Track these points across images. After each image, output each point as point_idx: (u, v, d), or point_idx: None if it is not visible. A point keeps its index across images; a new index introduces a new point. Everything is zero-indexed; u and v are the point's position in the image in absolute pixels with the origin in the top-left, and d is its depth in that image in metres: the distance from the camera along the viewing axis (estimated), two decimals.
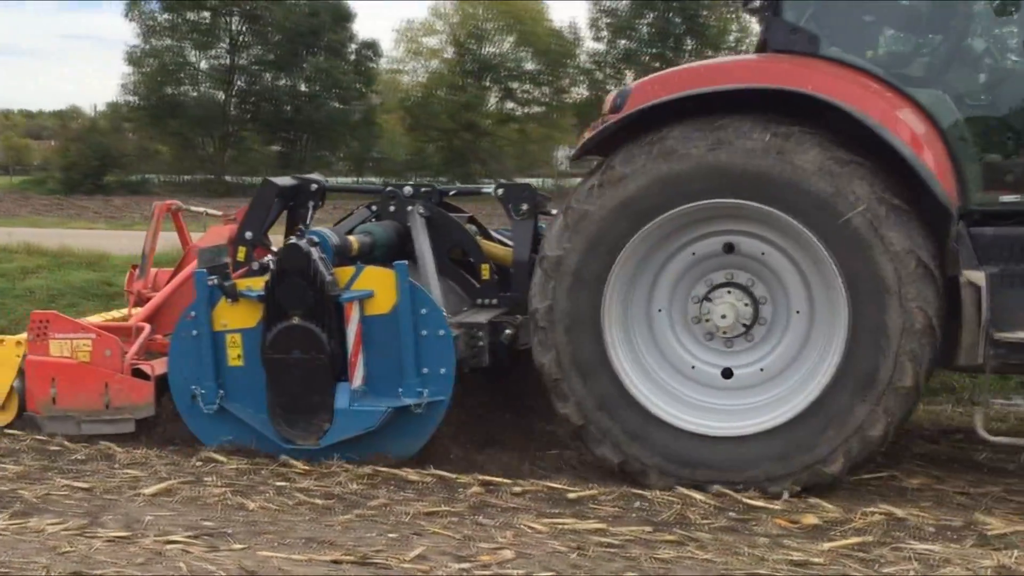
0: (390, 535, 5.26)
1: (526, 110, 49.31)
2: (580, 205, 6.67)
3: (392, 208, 7.98)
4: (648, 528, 5.51)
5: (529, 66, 48.55)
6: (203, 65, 55.37)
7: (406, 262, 6.94)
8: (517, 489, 6.22)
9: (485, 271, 7.81)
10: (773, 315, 6.73)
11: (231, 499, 5.93)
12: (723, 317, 6.74)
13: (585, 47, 46.50)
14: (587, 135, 6.94)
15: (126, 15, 55.28)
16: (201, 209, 9.65)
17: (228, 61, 54.28)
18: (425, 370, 6.78)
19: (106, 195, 48.41)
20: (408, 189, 8.06)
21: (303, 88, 54.33)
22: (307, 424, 6.82)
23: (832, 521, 5.70)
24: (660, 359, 6.84)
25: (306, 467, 6.61)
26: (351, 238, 7.33)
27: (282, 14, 51.22)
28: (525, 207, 7.85)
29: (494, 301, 7.66)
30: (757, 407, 6.63)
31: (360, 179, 47.87)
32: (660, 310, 6.85)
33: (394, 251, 7.61)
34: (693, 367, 6.81)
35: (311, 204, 8.24)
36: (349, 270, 6.90)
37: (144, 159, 56.90)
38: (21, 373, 7.61)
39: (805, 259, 6.52)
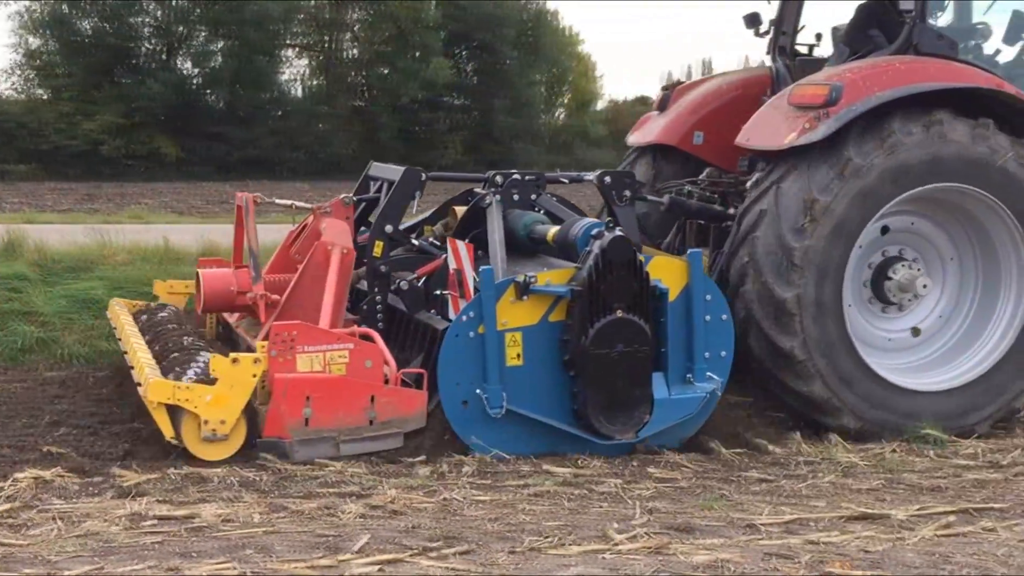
0: None
1: None
2: (860, 160, 6.95)
3: (516, 196, 7.30)
4: None
5: None
6: None
7: (700, 250, 6.82)
8: None
9: None
10: (929, 274, 7.56)
11: None
12: (925, 287, 7.46)
13: None
14: (808, 125, 6.96)
15: None
16: (288, 202, 8.27)
17: None
18: (707, 354, 6.57)
19: None
20: (516, 176, 7.36)
21: None
22: (627, 418, 6.40)
23: None
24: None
25: None
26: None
27: None
28: (628, 194, 7.57)
29: None
30: (952, 348, 7.60)
31: None
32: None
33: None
34: (890, 339, 7.60)
35: (416, 195, 7.42)
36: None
37: None
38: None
39: (954, 224, 7.58)
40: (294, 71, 42.35)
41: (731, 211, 7.78)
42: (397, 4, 39.95)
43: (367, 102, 41.58)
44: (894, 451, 6.69)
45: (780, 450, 6.65)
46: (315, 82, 42.20)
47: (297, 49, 42.24)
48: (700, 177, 8.59)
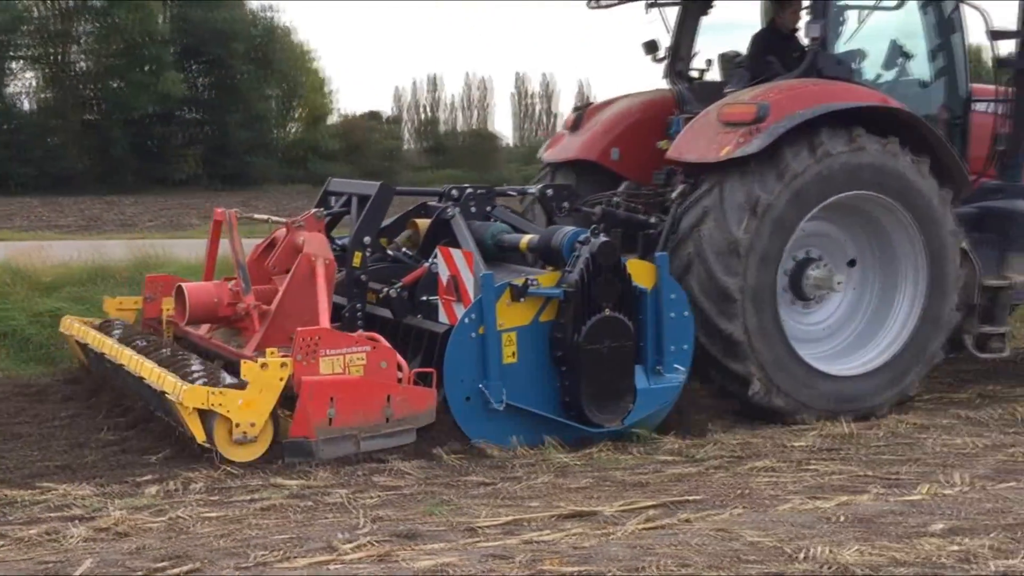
0: None
1: None
2: (769, 186, 7.49)
3: (473, 209, 7.66)
4: None
5: None
6: None
7: (666, 253, 7.25)
8: None
9: None
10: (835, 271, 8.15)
11: None
12: (839, 283, 8.14)
13: None
14: (742, 139, 7.42)
15: None
16: (264, 216, 8.49)
17: None
18: (673, 348, 7.06)
19: None
20: (469, 190, 7.75)
21: None
22: (615, 407, 6.88)
23: None
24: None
25: None
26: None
27: None
28: (566, 205, 8.05)
29: None
30: (855, 340, 8.23)
31: None
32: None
33: None
34: (807, 331, 8.13)
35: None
36: None
37: None
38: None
39: (858, 228, 8.18)
40: (22, 83, 40.11)
41: (653, 220, 8.18)
42: (126, 16, 38.40)
43: (99, 116, 39.79)
44: (602, 451, 6.91)
45: (500, 453, 6.77)
46: (45, 95, 40.07)
47: (24, 61, 39.99)
48: (619, 190, 8.86)
